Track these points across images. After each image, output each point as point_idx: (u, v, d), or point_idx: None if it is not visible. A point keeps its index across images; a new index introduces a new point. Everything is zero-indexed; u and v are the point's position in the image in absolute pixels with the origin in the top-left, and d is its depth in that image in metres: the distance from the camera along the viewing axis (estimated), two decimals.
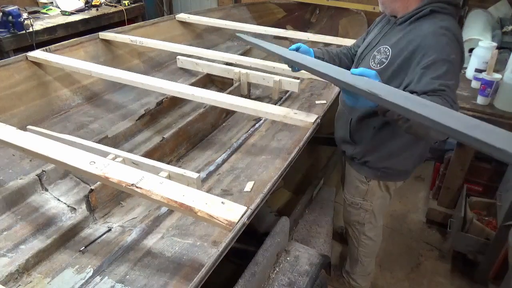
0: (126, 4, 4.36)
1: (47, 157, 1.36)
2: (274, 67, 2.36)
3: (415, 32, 1.36)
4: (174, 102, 2.46)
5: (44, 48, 2.32)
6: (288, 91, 2.56)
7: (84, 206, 1.60)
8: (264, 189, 1.32)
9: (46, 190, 1.74)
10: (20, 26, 3.22)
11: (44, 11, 3.90)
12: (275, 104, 2.29)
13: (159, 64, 2.90)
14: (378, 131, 1.55)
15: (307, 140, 1.64)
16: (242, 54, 3.13)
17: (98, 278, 1.33)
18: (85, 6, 4.11)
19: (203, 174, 1.88)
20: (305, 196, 2.07)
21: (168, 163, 1.79)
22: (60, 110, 2.23)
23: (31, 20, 3.36)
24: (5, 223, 1.55)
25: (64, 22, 3.65)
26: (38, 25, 3.44)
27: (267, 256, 1.39)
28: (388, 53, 1.43)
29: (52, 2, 4.09)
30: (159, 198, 1.16)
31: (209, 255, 1.34)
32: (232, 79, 2.56)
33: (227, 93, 2.20)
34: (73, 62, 2.18)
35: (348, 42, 2.56)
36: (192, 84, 2.36)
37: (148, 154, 1.80)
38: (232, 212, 1.12)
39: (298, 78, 2.34)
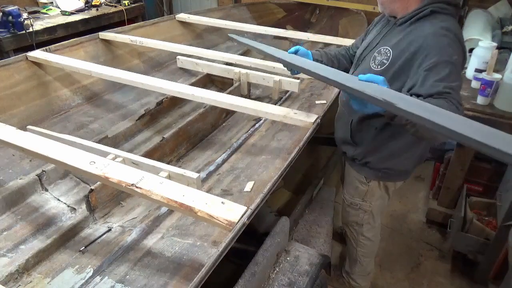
0: (126, 4, 4.36)
1: (47, 157, 1.36)
2: (274, 67, 2.36)
3: (416, 33, 1.36)
4: (174, 102, 2.46)
5: (44, 48, 2.32)
6: (288, 91, 2.56)
7: (84, 206, 1.60)
8: (264, 189, 1.32)
9: (46, 190, 1.74)
10: (20, 26, 3.22)
11: (44, 11, 3.90)
12: (275, 104, 2.29)
13: (159, 64, 2.90)
14: (380, 132, 1.55)
15: (307, 140, 1.64)
16: (242, 54, 3.13)
17: (98, 278, 1.33)
18: (85, 6, 4.11)
19: (203, 174, 1.88)
20: (305, 196, 2.07)
21: (168, 163, 1.79)
22: (60, 110, 2.23)
23: (31, 20, 3.36)
24: (5, 223, 1.55)
25: (64, 22, 3.66)
26: (38, 25, 3.45)
27: (267, 256, 1.39)
28: (388, 54, 1.42)
29: (52, 2, 4.09)
30: (159, 198, 1.16)
31: (209, 255, 1.34)
32: (232, 79, 2.56)
33: (227, 93, 2.20)
34: (73, 62, 2.18)
35: (348, 42, 2.56)
36: (192, 84, 2.36)
37: (148, 154, 1.80)
38: (232, 212, 1.12)
39: (298, 78, 2.34)
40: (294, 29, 3.75)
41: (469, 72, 2.35)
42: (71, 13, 3.91)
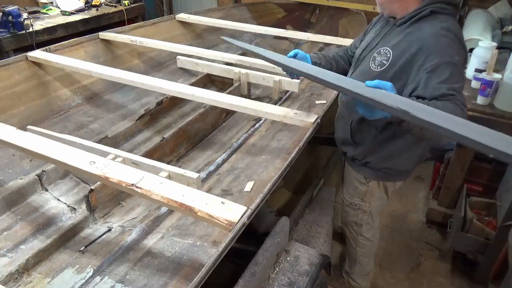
0: (126, 4, 4.36)
1: (47, 157, 1.36)
2: (274, 67, 2.36)
3: (416, 33, 1.35)
4: (174, 102, 2.46)
5: (44, 48, 2.32)
6: (288, 91, 2.56)
7: (84, 206, 1.60)
8: (264, 189, 1.32)
9: (46, 190, 1.74)
10: (20, 26, 3.22)
11: (44, 11, 3.90)
12: (275, 104, 2.29)
13: (159, 64, 2.90)
14: (380, 132, 1.55)
15: (307, 140, 1.64)
16: (242, 54, 3.12)
17: (98, 278, 1.33)
18: (85, 6, 4.11)
19: (203, 174, 1.88)
20: (305, 196, 2.07)
21: (168, 163, 1.79)
22: (60, 110, 2.23)
23: (31, 20, 3.36)
24: (5, 223, 1.55)
25: (64, 22, 3.66)
26: (38, 25, 3.45)
27: (267, 256, 1.39)
28: (388, 55, 1.42)
29: (52, 2, 4.09)
30: (159, 198, 1.16)
31: (209, 255, 1.34)
32: (232, 79, 2.56)
33: (227, 93, 2.20)
34: (73, 62, 2.18)
35: (348, 42, 2.55)
36: (192, 84, 2.36)
37: (148, 154, 1.80)
38: (232, 212, 1.12)
39: (298, 78, 2.34)
40: (294, 29, 3.74)
41: (469, 72, 2.34)
42: (71, 13, 3.91)
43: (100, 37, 2.64)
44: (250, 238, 1.43)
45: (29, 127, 1.86)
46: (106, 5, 4.31)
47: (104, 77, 2.14)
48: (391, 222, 2.74)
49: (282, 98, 2.62)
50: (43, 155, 1.37)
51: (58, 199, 1.69)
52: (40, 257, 1.40)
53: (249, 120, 2.39)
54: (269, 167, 1.81)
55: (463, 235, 2.20)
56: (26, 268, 1.36)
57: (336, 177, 2.59)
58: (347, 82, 1.21)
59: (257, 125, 2.32)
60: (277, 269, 1.46)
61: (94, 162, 1.31)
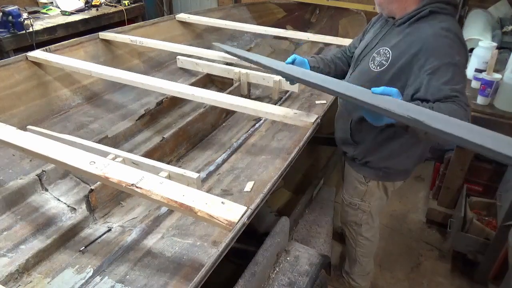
0: (126, 4, 4.37)
1: (47, 157, 1.36)
2: None
3: (416, 34, 1.35)
4: (174, 102, 2.46)
5: (44, 48, 2.32)
6: (288, 91, 2.56)
7: (84, 206, 1.60)
8: (264, 189, 1.32)
9: (46, 190, 1.74)
10: (20, 26, 3.22)
11: (44, 11, 3.90)
12: (275, 104, 2.29)
13: (159, 64, 2.90)
14: (380, 131, 1.54)
15: (307, 140, 1.64)
16: None
17: (98, 278, 1.33)
18: (85, 6, 4.11)
19: (203, 174, 1.88)
20: (305, 196, 2.07)
21: (168, 163, 1.79)
22: (60, 110, 2.23)
23: (31, 20, 3.36)
24: (5, 223, 1.55)
25: (64, 22, 3.66)
26: (38, 25, 3.45)
27: (267, 256, 1.39)
28: (388, 55, 1.42)
29: (52, 2, 4.09)
30: (159, 198, 1.16)
31: (209, 255, 1.34)
32: (232, 79, 2.56)
33: (227, 93, 2.20)
34: (73, 62, 2.18)
35: (348, 42, 2.54)
36: (192, 84, 2.36)
37: (148, 154, 1.80)
38: (232, 212, 1.12)
39: None
40: (294, 29, 3.74)
41: (469, 72, 2.34)
42: (71, 13, 3.91)
43: (100, 37, 2.64)
44: (250, 238, 1.43)
45: (29, 127, 1.86)
46: (106, 5, 4.31)
47: (104, 77, 2.14)
48: (391, 222, 2.74)
49: (282, 98, 2.62)
50: (43, 155, 1.37)
51: (58, 199, 1.69)
52: (40, 257, 1.40)
53: (249, 120, 2.39)
54: (269, 167, 1.81)
55: (463, 235, 2.20)
56: (26, 268, 1.36)
57: (336, 177, 2.59)
58: (353, 90, 1.20)
59: (257, 125, 2.32)
60: (277, 269, 1.46)
61: (94, 162, 1.31)
